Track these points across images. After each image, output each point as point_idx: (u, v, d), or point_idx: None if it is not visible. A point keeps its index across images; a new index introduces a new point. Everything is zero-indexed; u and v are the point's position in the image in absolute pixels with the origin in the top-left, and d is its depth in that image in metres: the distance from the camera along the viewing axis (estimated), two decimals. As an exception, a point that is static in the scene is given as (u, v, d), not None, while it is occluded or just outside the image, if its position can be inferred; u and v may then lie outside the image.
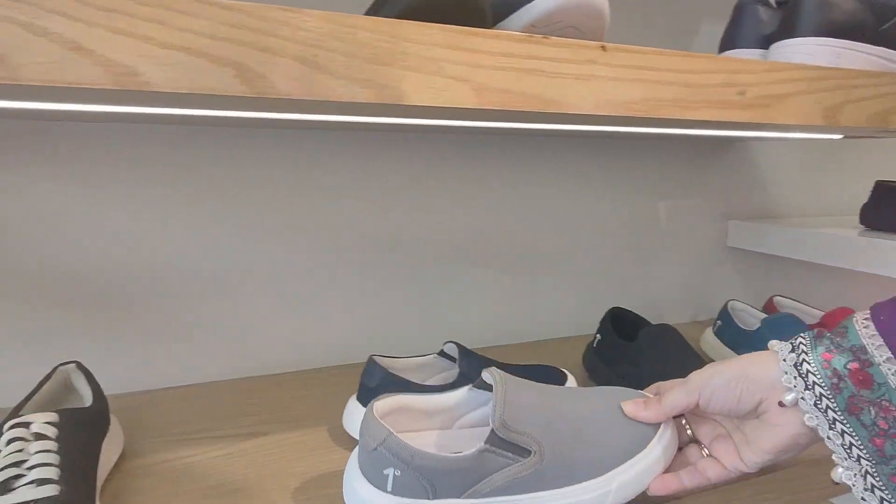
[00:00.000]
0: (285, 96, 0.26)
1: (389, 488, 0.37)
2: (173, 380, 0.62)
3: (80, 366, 0.47)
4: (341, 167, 0.66)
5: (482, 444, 0.37)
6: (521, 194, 0.76)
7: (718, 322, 0.72)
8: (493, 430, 0.37)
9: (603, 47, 0.35)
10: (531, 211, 0.77)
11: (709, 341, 0.72)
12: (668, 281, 0.89)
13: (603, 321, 0.65)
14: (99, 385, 0.46)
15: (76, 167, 0.55)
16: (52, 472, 0.34)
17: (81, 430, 0.40)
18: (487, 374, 0.41)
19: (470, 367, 0.51)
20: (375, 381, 0.48)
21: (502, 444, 0.37)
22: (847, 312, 0.67)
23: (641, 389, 0.55)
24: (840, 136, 0.66)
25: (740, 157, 0.91)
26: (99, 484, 0.40)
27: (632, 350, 0.58)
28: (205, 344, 0.63)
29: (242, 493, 0.42)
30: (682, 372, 0.53)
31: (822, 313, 0.70)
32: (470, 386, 0.43)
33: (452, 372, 0.55)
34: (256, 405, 0.57)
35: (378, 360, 0.51)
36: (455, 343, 0.53)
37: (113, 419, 0.46)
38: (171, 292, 0.61)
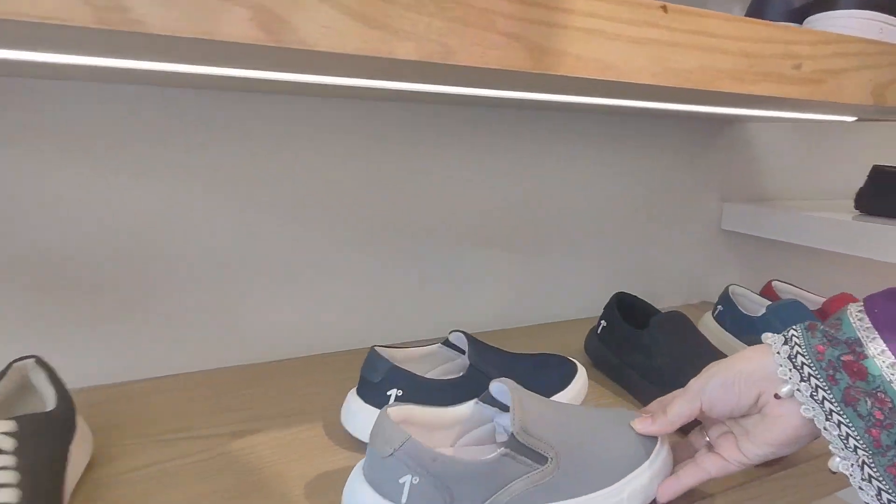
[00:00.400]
0: (312, 48, 0.21)
1: (405, 499, 0.34)
2: (148, 371, 0.56)
3: (39, 361, 0.41)
4: (343, 141, 0.60)
5: (502, 448, 0.35)
6: (519, 173, 0.72)
7: (719, 307, 0.71)
8: (512, 435, 0.36)
9: (664, 7, 0.30)
10: (529, 190, 0.73)
11: (708, 326, 0.71)
12: (662, 263, 0.88)
13: (608, 307, 0.63)
14: (62, 383, 0.40)
15: (36, 132, 0.48)
16: (11, 495, 0.29)
17: (45, 440, 0.34)
18: (498, 386, 0.38)
19: (479, 357, 0.47)
20: (379, 376, 0.44)
21: (521, 449, 0.36)
22: (849, 299, 0.66)
23: (653, 380, 0.53)
24: (853, 119, 0.64)
25: (737, 137, 0.89)
26: (66, 501, 0.35)
27: (642, 338, 0.55)
28: (185, 330, 0.57)
29: (231, 503, 0.38)
30: (698, 363, 0.51)
31: (823, 299, 0.69)
32: (476, 400, 0.40)
33: (456, 363, 0.51)
34: (244, 399, 0.52)
35: (380, 351, 0.46)
36: (463, 332, 0.49)
37: (79, 420, 0.40)
38: (145, 273, 0.54)
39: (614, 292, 0.82)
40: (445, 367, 0.51)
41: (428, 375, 0.51)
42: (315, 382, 0.56)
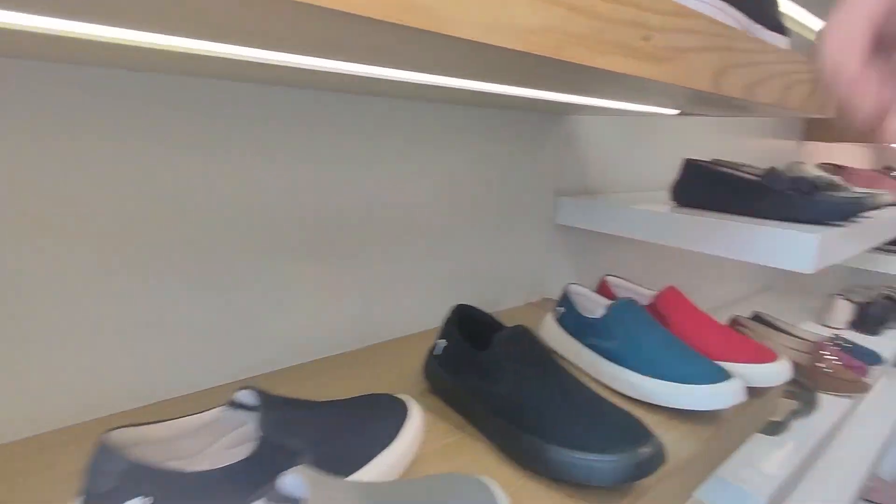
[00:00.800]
0: None
1: None
2: None
3: None
4: (79, 118, 0.41)
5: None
6: (329, 170, 0.59)
7: (560, 309, 0.67)
8: None
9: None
10: (344, 190, 0.61)
11: (551, 331, 0.66)
12: (500, 261, 0.83)
13: (447, 323, 0.54)
14: None
15: None
16: None
17: None
18: (292, 479, 0.27)
19: (275, 422, 0.34)
20: (110, 481, 0.29)
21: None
22: (676, 293, 0.67)
23: (497, 410, 0.45)
24: (676, 112, 0.63)
25: (569, 129, 0.87)
26: None
27: (483, 361, 0.47)
28: None
29: None
30: (546, 391, 0.45)
31: (653, 293, 0.70)
32: (263, 499, 0.27)
33: (249, 429, 0.38)
34: None
35: (116, 438, 0.31)
36: (253, 388, 0.36)
37: None
38: None
39: (451, 297, 0.74)
40: (234, 436, 0.37)
41: (207, 453, 0.36)
42: (33, 480, 0.38)
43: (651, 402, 0.53)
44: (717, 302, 1.39)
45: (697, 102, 0.50)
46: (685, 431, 0.51)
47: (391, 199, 0.65)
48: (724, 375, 0.51)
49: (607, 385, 0.57)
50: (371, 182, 0.62)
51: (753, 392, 0.57)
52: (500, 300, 0.85)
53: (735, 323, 1.12)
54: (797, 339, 1.10)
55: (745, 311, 1.35)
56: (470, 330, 0.55)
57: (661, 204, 0.83)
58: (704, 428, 0.52)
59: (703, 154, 1.17)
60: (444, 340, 0.53)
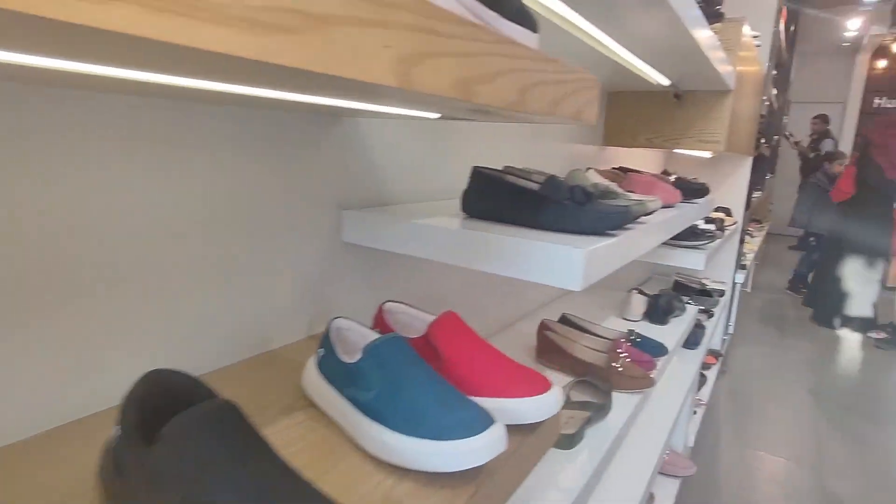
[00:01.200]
0: None
1: None
2: None
3: None
4: None
5: None
6: (24, 181, 0.41)
7: (321, 351, 0.55)
8: None
9: None
10: (48, 213, 0.43)
11: (312, 380, 0.55)
12: (274, 289, 0.69)
13: (126, 401, 0.39)
14: None
15: None
16: None
17: None
18: None
19: None
20: None
21: None
22: (453, 318, 0.59)
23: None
24: (437, 116, 0.56)
25: (349, 133, 0.76)
26: None
27: (153, 460, 0.33)
28: None
29: None
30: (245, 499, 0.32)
31: (432, 318, 0.61)
32: None
33: None
34: None
35: None
36: None
37: None
38: None
39: (202, 343, 0.60)
40: None
41: None
42: None
43: (405, 466, 0.43)
44: (533, 304, 1.40)
45: (440, 105, 0.41)
46: (445, 496, 0.42)
47: (108, 223, 0.47)
48: (484, 423, 0.43)
49: (363, 448, 0.47)
50: (78, 199, 0.44)
51: (526, 428, 0.52)
52: (275, 336, 0.71)
53: (543, 328, 1.12)
54: (599, 338, 1.14)
55: (555, 313, 1.38)
56: (168, 408, 0.40)
57: (451, 216, 0.76)
58: (466, 487, 0.44)
59: (509, 160, 1.15)
60: (120, 427, 0.38)
